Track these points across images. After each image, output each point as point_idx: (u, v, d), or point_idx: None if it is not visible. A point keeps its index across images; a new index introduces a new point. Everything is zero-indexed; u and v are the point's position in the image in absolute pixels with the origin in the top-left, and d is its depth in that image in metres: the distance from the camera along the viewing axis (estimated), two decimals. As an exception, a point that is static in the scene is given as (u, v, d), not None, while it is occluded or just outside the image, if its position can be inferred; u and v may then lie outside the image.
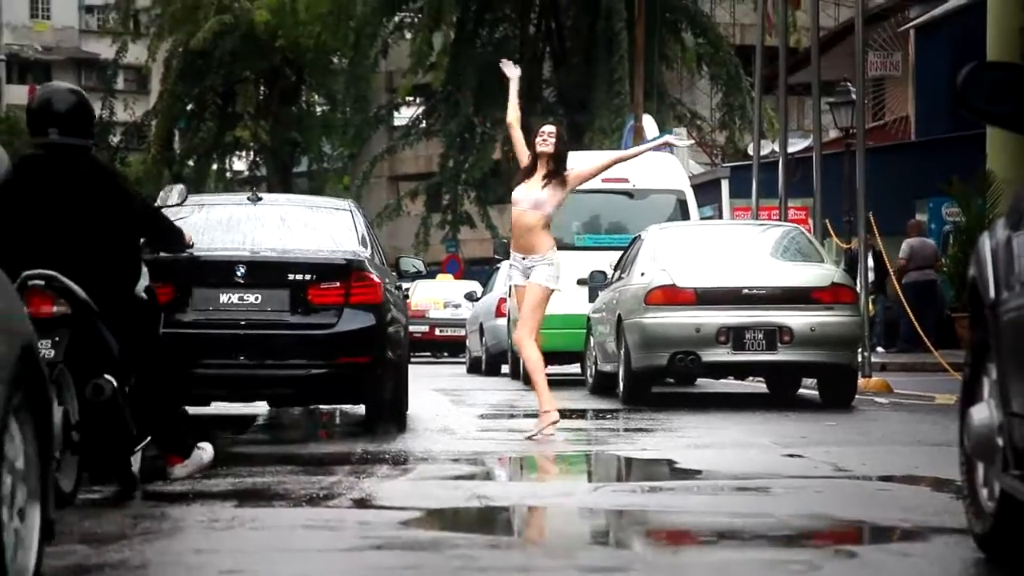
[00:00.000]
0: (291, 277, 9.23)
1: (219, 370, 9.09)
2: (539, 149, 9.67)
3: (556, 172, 9.66)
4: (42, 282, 6.16)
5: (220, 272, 9.18)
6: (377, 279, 9.48)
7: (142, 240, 6.92)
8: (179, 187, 7.73)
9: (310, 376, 9.15)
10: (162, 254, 7.55)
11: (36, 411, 3.79)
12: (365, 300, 9.35)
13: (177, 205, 7.68)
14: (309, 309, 9.22)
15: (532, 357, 9.58)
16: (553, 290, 9.71)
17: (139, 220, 6.82)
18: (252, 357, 9.16)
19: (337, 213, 10.18)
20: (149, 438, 6.74)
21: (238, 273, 9.21)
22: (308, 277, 9.24)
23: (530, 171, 9.70)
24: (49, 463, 3.89)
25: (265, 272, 9.22)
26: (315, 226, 9.80)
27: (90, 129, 6.67)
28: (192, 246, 7.58)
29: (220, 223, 8.77)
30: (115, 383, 6.25)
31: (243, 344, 9.15)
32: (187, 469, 6.88)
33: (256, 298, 9.24)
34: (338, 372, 9.25)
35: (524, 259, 9.68)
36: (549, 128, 9.85)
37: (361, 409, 10.59)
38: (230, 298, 9.23)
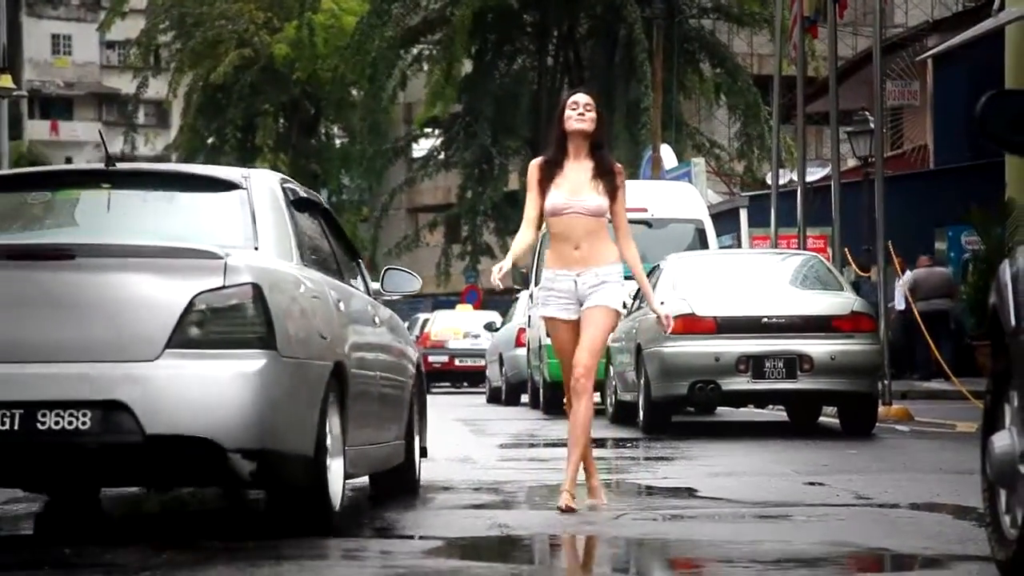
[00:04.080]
0: None
1: None
2: (574, 126, 7.10)
3: (603, 167, 7.10)
4: None
5: None
6: None
7: None
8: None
9: None
10: None
11: (420, 394, 7.97)
12: None
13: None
14: None
15: (589, 415, 7.11)
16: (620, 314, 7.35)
17: None
18: None
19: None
20: None
21: None
22: None
23: (556, 163, 7.15)
24: (420, 421, 7.98)
25: None
26: None
27: None
28: None
29: None
30: None
31: None
32: None
33: None
34: None
35: (581, 275, 7.06)
36: (584, 98, 7.16)
37: None
38: None
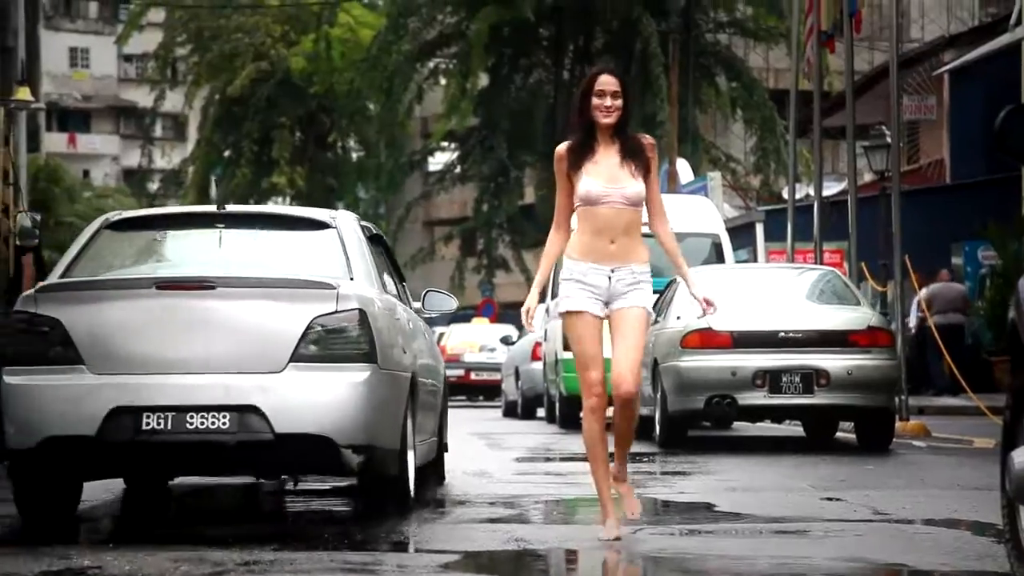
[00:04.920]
0: None
1: None
2: (602, 122, 6.60)
3: (630, 146, 6.65)
4: None
5: None
6: None
7: None
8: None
9: None
10: None
11: (445, 397, 9.21)
12: None
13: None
14: None
15: (633, 422, 6.63)
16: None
17: None
18: None
19: None
20: None
21: None
22: None
23: (586, 148, 6.60)
24: (445, 420, 9.36)
25: None
26: None
27: None
28: None
29: None
30: None
31: None
32: None
33: None
34: None
35: (617, 271, 6.55)
36: (610, 84, 6.68)
37: None
38: None
